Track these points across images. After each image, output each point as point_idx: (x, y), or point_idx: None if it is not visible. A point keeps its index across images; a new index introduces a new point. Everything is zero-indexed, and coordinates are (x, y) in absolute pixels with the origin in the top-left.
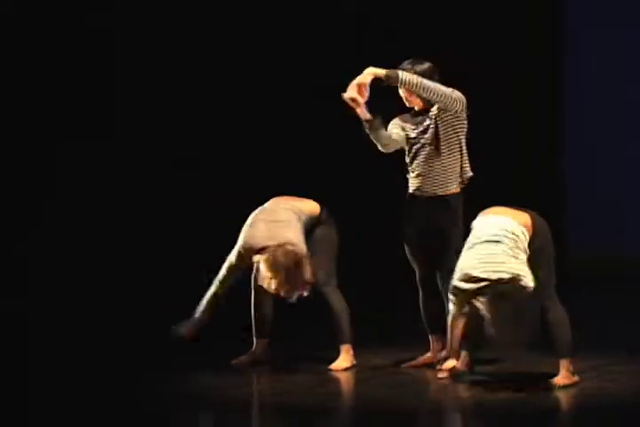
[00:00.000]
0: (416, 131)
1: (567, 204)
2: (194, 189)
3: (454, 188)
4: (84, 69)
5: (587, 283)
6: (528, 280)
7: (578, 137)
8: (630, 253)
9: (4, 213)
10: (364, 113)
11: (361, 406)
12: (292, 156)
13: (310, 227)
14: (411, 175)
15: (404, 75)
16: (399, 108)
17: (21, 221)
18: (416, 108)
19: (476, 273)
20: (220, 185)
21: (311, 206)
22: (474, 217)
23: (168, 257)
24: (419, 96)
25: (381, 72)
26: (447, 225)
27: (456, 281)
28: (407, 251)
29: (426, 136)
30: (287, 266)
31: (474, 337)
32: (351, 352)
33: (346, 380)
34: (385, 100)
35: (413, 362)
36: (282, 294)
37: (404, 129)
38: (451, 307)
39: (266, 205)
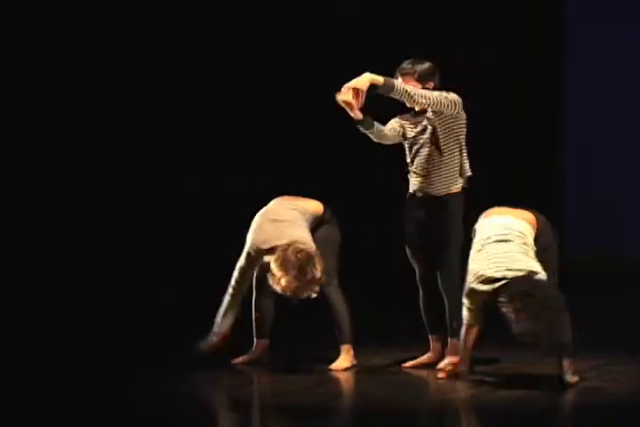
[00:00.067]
0: (415, 130)
1: (567, 204)
2: (194, 189)
3: (454, 188)
4: (84, 69)
5: (587, 283)
6: (542, 276)
7: (578, 137)
8: (630, 253)
9: (4, 213)
10: (356, 114)
11: (361, 406)
12: (292, 156)
13: (314, 226)
14: (411, 175)
15: (399, 85)
16: (399, 109)
17: (21, 221)
18: (416, 109)
19: (490, 273)
20: (220, 185)
21: (315, 206)
22: (474, 217)
23: (168, 257)
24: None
25: (379, 79)
26: (447, 225)
27: (472, 284)
28: (407, 251)
29: (424, 136)
30: (298, 264)
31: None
32: (351, 352)
33: (346, 380)
34: (385, 100)
35: (413, 362)
36: (291, 293)
37: (402, 127)
38: (464, 313)
39: (270, 205)
